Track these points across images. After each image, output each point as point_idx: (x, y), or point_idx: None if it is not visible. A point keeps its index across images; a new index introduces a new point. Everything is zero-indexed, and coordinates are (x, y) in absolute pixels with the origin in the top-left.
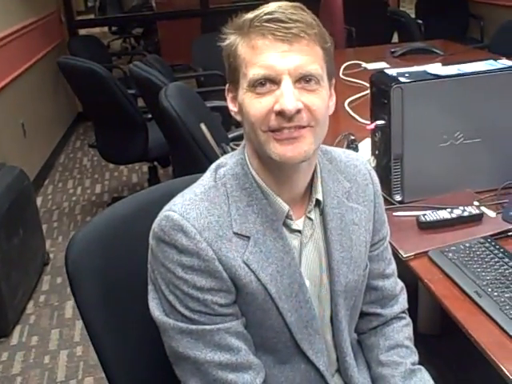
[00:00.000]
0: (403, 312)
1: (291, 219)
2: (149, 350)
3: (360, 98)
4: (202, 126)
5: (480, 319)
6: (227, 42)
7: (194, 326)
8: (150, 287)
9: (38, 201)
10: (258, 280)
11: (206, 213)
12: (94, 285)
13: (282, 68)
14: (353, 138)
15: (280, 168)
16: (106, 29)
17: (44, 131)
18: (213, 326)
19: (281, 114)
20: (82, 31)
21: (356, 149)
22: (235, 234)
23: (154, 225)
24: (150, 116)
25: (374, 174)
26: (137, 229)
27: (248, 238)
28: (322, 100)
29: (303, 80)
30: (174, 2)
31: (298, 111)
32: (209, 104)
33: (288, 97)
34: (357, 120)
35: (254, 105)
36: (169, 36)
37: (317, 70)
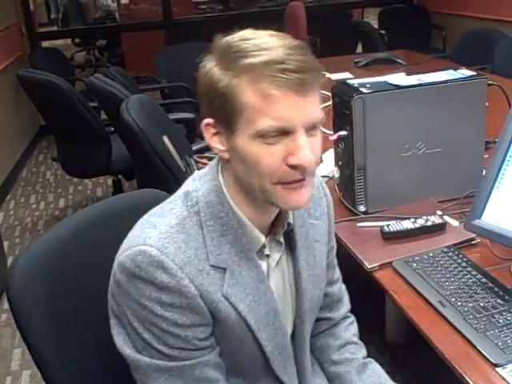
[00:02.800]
0: (347, 311)
1: (264, 247)
2: (107, 381)
3: (324, 108)
4: (165, 139)
5: (444, 330)
6: (220, 80)
7: (173, 363)
8: (112, 321)
9: (0, 217)
10: (238, 313)
11: (184, 246)
12: (41, 315)
13: (296, 120)
14: None
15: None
16: (69, 41)
17: (5, 145)
18: (193, 361)
19: (297, 167)
20: (45, 43)
21: (320, 160)
22: (212, 266)
23: (124, 259)
24: (112, 129)
25: (325, 185)
26: (81, 249)
27: (224, 269)
28: (320, 139)
29: (311, 128)
30: (138, 13)
31: None
32: (173, 116)
33: (306, 151)
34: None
35: (265, 156)
36: (133, 48)
37: (321, 114)
